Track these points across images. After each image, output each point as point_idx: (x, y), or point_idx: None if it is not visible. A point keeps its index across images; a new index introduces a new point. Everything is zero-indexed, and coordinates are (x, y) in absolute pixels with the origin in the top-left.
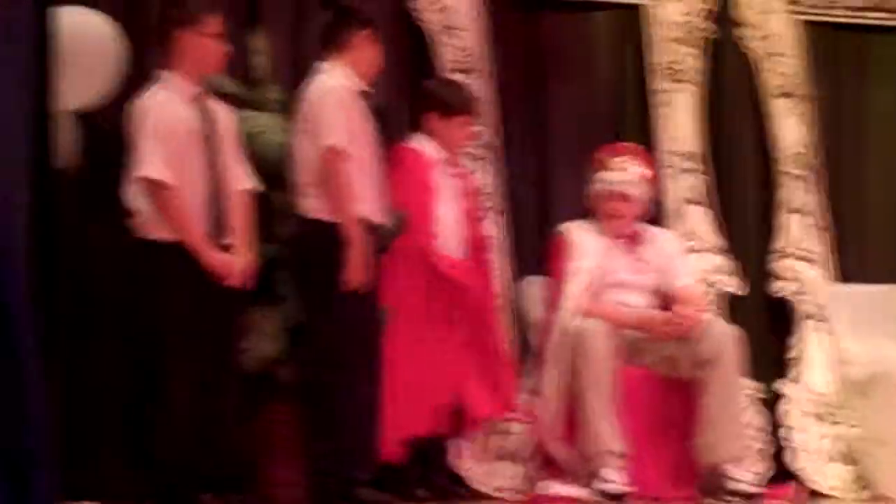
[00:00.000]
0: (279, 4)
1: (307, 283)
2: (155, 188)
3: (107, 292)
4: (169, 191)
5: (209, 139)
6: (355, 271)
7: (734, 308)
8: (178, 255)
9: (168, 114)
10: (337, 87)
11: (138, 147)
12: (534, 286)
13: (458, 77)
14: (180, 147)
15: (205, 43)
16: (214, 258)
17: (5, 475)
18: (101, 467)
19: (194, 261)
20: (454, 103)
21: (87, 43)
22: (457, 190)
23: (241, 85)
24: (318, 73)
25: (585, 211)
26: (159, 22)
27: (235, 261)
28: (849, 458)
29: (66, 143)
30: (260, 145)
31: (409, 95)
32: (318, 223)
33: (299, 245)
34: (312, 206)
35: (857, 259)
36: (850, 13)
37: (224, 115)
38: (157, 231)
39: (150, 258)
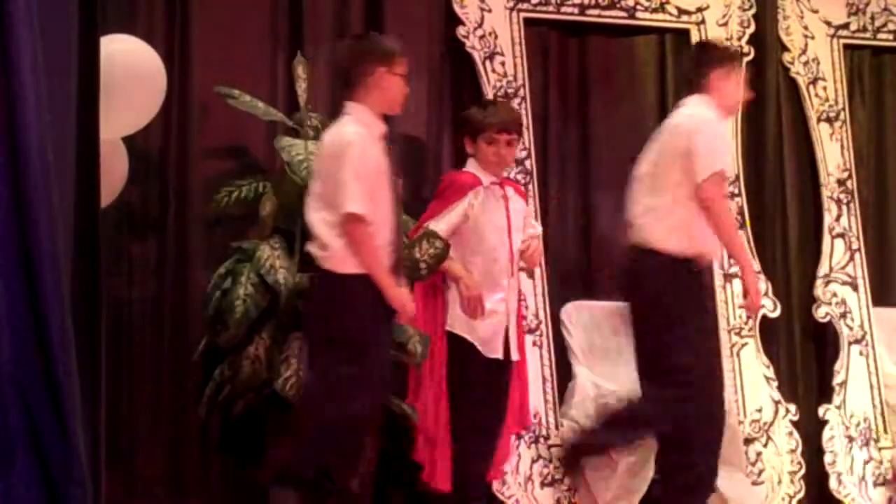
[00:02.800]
0: (321, 32)
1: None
2: (355, 224)
3: (147, 310)
4: (368, 226)
5: (392, 176)
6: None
7: (774, 332)
8: (368, 287)
9: (368, 150)
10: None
11: (342, 182)
12: (575, 311)
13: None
14: (376, 184)
15: (395, 82)
16: (397, 292)
17: (41, 489)
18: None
19: (379, 292)
20: (487, 124)
21: (131, 70)
22: (504, 212)
23: (283, 112)
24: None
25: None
26: (350, 55)
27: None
28: (892, 482)
29: (116, 169)
30: (302, 173)
31: (454, 122)
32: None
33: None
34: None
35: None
36: (892, 38)
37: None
38: (346, 266)
39: (344, 289)
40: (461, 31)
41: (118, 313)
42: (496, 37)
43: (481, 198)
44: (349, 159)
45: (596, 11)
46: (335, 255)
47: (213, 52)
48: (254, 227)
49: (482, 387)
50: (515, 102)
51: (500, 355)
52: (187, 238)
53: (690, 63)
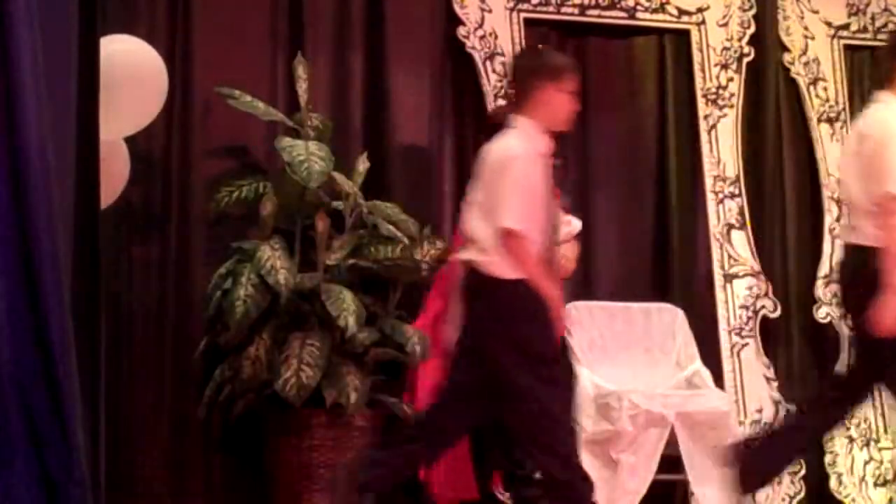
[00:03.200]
0: (321, 33)
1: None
2: (511, 238)
3: (148, 310)
4: (523, 240)
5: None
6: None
7: (774, 333)
8: (533, 291)
9: (530, 166)
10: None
11: (502, 196)
12: (576, 311)
13: (500, 103)
14: (534, 200)
15: (562, 98)
16: (555, 296)
17: (41, 489)
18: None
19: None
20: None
21: (132, 70)
22: None
23: (284, 112)
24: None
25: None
26: (519, 70)
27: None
28: (892, 483)
29: (118, 169)
30: (302, 174)
31: (454, 121)
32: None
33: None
34: None
35: None
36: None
37: None
38: (511, 272)
39: (515, 294)
40: (461, 31)
41: (118, 313)
42: (496, 37)
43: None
44: (511, 174)
45: (596, 12)
46: (500, 262)
47: (213, 53)
48: (254, 228)
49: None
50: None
51: None
52: (188, 238)
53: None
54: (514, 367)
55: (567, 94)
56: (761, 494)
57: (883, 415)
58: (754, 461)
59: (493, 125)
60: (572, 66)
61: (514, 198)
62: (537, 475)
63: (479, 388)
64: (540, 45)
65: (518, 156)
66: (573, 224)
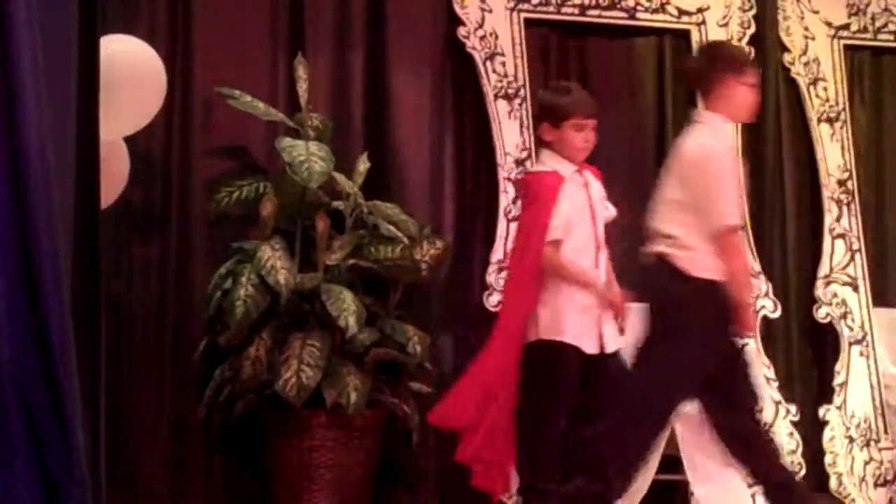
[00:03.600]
0: (321, 33)
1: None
2: (731, 235)
3: (148, 310)
4: (740, 234)
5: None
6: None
7: (774, 332)
8: (723, 293)
9: (729, 160)
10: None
11: (715, 195)
12: None
13: (500, 103)
14: (737, 193)
15: (744, 91)
16: (748, 308)
17: (41, 489)
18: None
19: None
20: (574, 109)
21: (131, 70)
22: (587, 201)
23: (284, 112)
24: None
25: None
26: (701, 63)
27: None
28: (892, 483)
29: (118, 169)
30: (303, 174)
31: (454, 128)
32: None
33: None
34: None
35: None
36: (892, 38)
37: None
38: (705, 271)
39: (704, 292)
40: (462, 31)
41: (118, 313)
42: (497, 37)
43: (568, 191)
44: (716, 171)
45: (596, 12)
46: (697, 258)
47: (214, 53)
48: (254, 228)
49: (575, 386)
50: (516, 103)
51: (595, 350)
52: (188, 238)
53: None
54: (680, 359)
55: (747, 86)
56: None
57: (883, 415)
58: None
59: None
60: (751, 58)
61: (726, 194)
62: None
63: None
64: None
65: (716, 153)
66: (611, 210)
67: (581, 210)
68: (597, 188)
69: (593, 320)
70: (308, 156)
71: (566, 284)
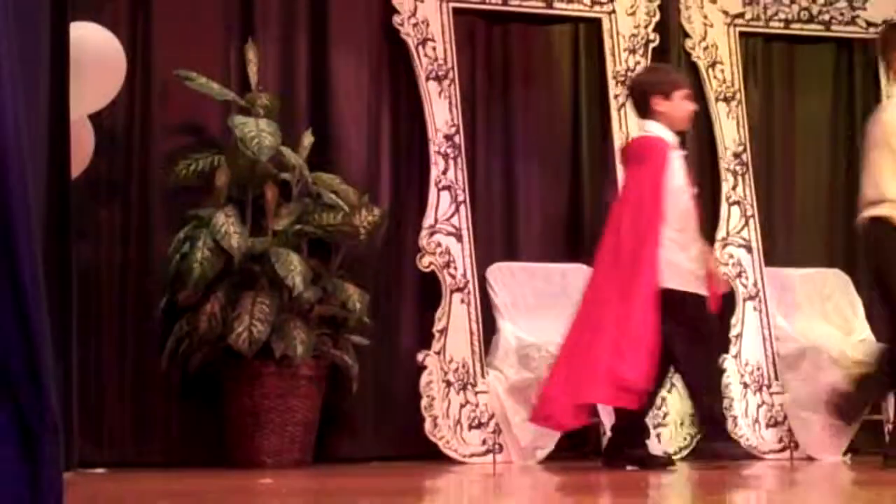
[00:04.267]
0: (269, 19)
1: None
2: None
3: (113, 272)
4: None
5: None
6: None
7: None
8: None
9: None
10: None
11: None
12: (499, 271)
13: (431, 84)
14: None
15: None
16: None
17: (17, 437)
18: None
19: None
20: (683, 81)
21: (94, 54)
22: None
23: (236, 92)
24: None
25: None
26: (882, 40)
27: None
28: (781, 425)
29: (84, 144)
30: (253, 148)
31: (389, 107)
32: None
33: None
34: None
35: (785, 245)
36: (782, 26)
37: None
38: None
39: None
40: (396, 19)
41: (87, 274)
42: (428, 24)
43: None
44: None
45: (517, 1)
46: None
47: (172, 38)
48: (209, 197)
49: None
50: (445, 84)
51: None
52: (149, 207)
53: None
54: None
55: None
56: (665, 434)
57: (774, 363)
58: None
59: None
60: None
61: None
62: None
63: None
64: None
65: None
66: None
67: (682, 179)
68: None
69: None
70: (258, 132)
71: (685, 236)
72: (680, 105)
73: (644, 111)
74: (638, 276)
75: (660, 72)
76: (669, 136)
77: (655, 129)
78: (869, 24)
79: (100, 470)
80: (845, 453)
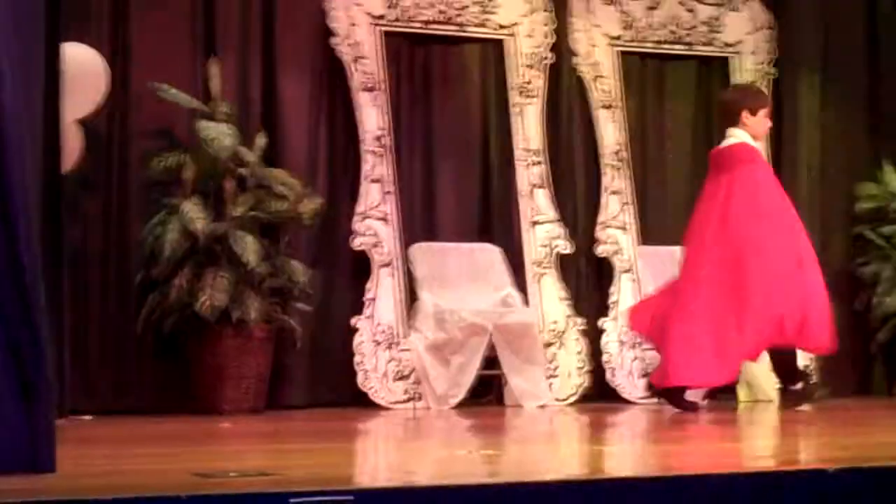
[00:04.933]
0: (228, 40)
1: None
2: None
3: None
4: None
5: None
6: None
7: (566, 265)
8: None
9: None
10: None
11: None
12: (420, 250)
13: (363, 94)
14: None
15: None
16: None
17: (19, 390)
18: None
19: None
20: (760, 99)
21: (82, 69)
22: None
23: (201, 101)
24: None
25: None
26: None
27: None
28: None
29: (73, 145)
30: (215, 147)
31: (328, 113)
32: None
33: None
34: None
35: (658, 227)
36: (654, 46)
37: None
38: None
39: None
40: (334, 40)
41: (75, 252)
42: (361, 45)
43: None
44: None
45: (436, 26)
46: None
47: (147, 56)
48: (178, 189)
49: None
50: (375, 94)
51: None
52: (128, 197)
53: None
54: None
55: None
56: (557, 384)
57: None
58: None
59: None
60: None
61: None
62: None
63: None
64: None
65: None
66: None
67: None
68: None
69: None
70: (219, 134)
71: None
72: (762, 121)
73: (733, 122)
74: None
75: (749, 91)
76: (754, 143)
77: (742, 136)
78: (725, 44)
79: (87, 417)
80: (703, 398)
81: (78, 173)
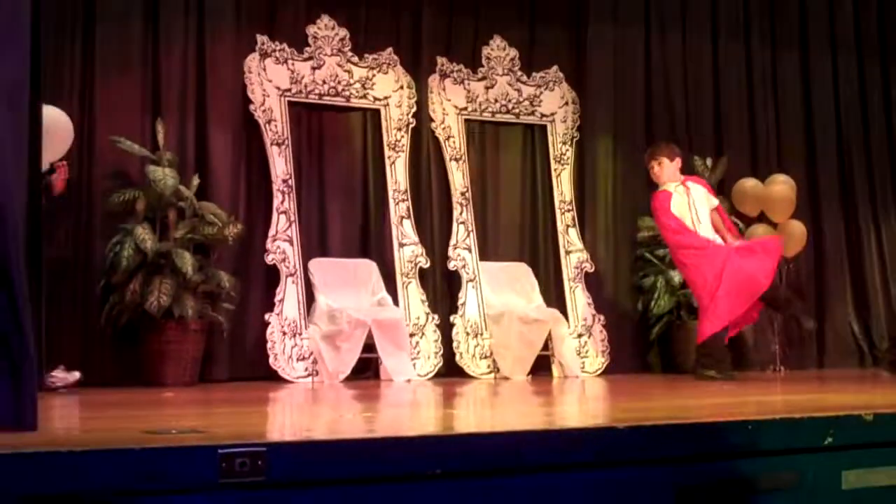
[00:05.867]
0: (171, 104)
1: None
2: None
3: (69, 264)
4: None
5: None
6: None
7: (425, 276)
8: None
9: None
10: None
11: None
12: (318, 264)
13: (274, 147)
14: None
15: None
16: None
17: (8, 368)
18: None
19: None
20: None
21: (54, 124)
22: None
23: (150, 150)
24: None
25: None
26: None
27: None
28: (489, 357)
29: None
30: (161, 186)
31: (247, 161)
32: None
33: None
34: None
35: (493, 248)
36: (490, 115)
37: None
38: None
39: None
40: (251, 107)
41: (52, 265)
42: (272, 111)
43: (677, 199)
44: None
45: (328, 97)
46: None
47: (108, 115)
48: (132, 217)
49: None
50: (282, 148)
51: None
52: (93, 223)
53: None
54: None
55: None
56: (419, 364)
57: (485, 320)
58: None
59: None
60: None
61: None
62: None
63: None
64: None
65: None
66: (712, 201)
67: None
68: (698, 190)
69: None
70: (164, 176)
71: None
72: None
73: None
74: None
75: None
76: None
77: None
78: (543, 114)
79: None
80: (528, 374)
81: (54, 205)
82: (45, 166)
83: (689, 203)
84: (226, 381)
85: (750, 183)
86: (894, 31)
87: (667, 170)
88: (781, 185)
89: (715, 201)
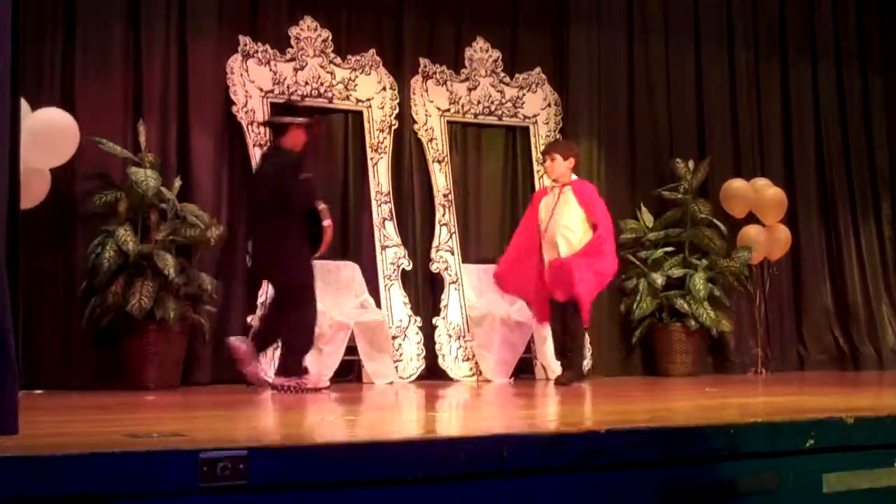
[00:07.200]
0: (153, 106)
1: None
2: None
3: (52, 265)
4: None
5: None
6: None
7: (408, 278)
8: None
9: None
10: None
11: None
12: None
13: (256, 149)
14: None
15: None
16: None
17: None
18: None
19: None
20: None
21: (57, 126)
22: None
23: (132, 152)
24: None
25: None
26: None
27: None
28: (472, 360)
29: (43, 186)
30: (143, 188)
31: (229, 163)
32: None
33: None
34: None
35: (475, 250)
36: (473, 117)
37: None
38: None
39: None
40: (234, 108)
41: (34, 266)
42: (254, 112)
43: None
44: None
45: (311, 99)
46: None
47: (90, 116)
48: (115, 218)
49: None
50: (264, 149)
51: None
52: (76, 223)
53: None
54: None
55: None
56: (402, 367)
57: (467, 322)
58: None
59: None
60: None
61: None
62: None
63: None
64: None
65: None
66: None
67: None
68: (569, 196)
69: None
70: (146, 178)
71: None
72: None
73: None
74: None
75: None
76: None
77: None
78: (525, 116)
79: (38, 391)
80: (510, 377)
81: (41, 206)
82: (51, 166)
83: (555, 206)
84: (208, 383)
85: (738, 183)
86: (873, 38)
87: (557, 167)
88: (776, 189)
89: (594, 218)
